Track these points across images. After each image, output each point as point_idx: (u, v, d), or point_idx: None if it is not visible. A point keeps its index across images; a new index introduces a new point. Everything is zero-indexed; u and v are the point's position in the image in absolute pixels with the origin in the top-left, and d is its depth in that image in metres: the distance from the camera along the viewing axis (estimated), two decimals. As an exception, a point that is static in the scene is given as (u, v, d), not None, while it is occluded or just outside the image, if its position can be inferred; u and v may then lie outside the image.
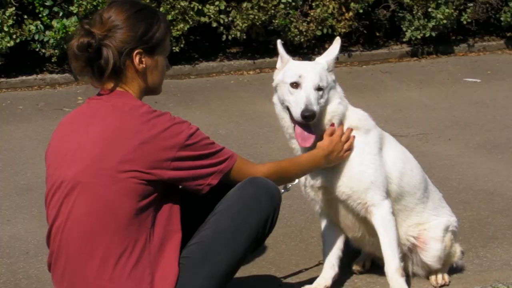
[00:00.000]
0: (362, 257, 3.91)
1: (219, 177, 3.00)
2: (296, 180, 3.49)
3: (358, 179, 3.40)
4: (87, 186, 2.85)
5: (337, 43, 3.49)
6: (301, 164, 3.33)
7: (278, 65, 3.49)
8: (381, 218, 3.41)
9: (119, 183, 2.83)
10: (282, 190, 3.50)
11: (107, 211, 2.83)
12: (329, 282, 3.60)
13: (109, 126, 2.87)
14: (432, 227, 3.61)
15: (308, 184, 3.49)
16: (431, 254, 3.62)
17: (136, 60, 2.97)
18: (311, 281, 3.66)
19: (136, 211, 2.85)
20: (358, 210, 3.44)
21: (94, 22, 2.96)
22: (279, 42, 3.46)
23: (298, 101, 3.28)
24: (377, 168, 3.41)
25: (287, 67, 3.41)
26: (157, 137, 2.85)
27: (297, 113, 3.27)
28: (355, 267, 3.88)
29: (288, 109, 3.36)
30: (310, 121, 3.26)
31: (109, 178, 2.83)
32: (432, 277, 3.73)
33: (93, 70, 2.96)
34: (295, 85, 3.32)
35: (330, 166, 3.40)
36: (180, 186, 3.01)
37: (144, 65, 2.99)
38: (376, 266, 3.88)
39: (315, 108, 3.25)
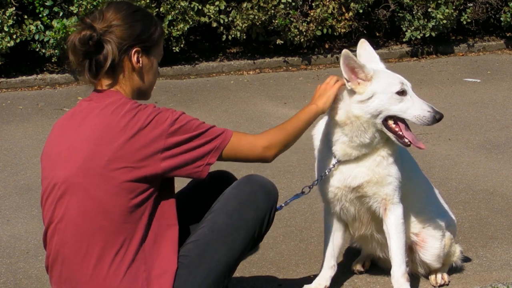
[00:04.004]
0: (361, 257, 3.92)
1: (217, 155, 2.95)
2: (307, 190, 3.51)
3: (387, 181, 3.45)
4: (79, 187, 2.85)
5: (365, 44, 3.55)
6: (299, 118, 3.24)
7: (347, 75, 3.34)
8: (395, 219, 3.45)
9: (110, 181, 2.82)
10: (301, 193, 3.52)
11: (100, 211, 2.83)
12: (328, 282, 3.61)
13: (97, 126, 2.87)
14: (431, 225, 3.63)
15: (340, 186, 3.48)
16: (430, 252, 3.64)
17: (134, 58, 2.97)
18: (310, 281, 3.66)
19: (129, 209, 2.84)
20: (378, 207, 3.48)
21: (95, 18, 2.98)
22: (347, 53, 3.31)
23: (417, 106, 3.34)
24: (400, 172, 3.49)
25: (382, 77, 3.38)
26: (143, 129, 2.84)
27: (424, 117, 3.32)
28: (355, 267, 3.88)
29: (386, 119, 3.36)
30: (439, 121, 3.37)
31: (99, 177, 2.83)
32: (432, 277, 3.73)
33: (90, 65, 2.96)
34: (402, 92, 3.35)
35: (364, 167, 3.43)
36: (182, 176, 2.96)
37: (141, 64, 2.99)
38: (375, 266, 3.88)
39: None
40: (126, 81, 2.99)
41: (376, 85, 3.35)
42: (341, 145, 3.43)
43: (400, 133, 3.37)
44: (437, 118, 3.33)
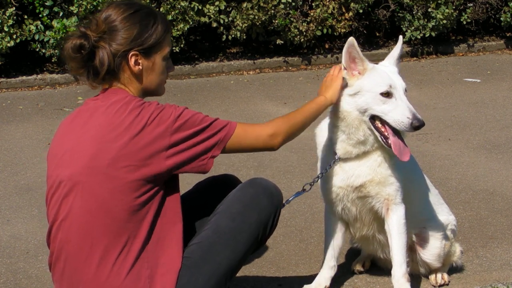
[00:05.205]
0: (361, 257, 3.92)
1: (221, 147, 2.94)
2: (308, 188, 3.50)
3: (390, 181, 3.46)
4: (84, 185, 2.85)
5: (399, 42, 3.54)
6: (307, 108, 3.24)
7: (345, 63, 3.36)
8: (397, 220, 3.46)
9: (114, 180, 2.82)
10: (302, 191, 3.52)
11: (104, 210, 2.83)
12: (328, 282, 3.61)
13: (102, 125, 2.88)
14: (431, 225, 3.63)
15: (342, 185, 3.48)
16: (430, 252, 3.64)
17: (132, 62, 2.96)
18: (310, 280, 3.66)
19: (133, 208, 2.84)
20: (380, 207, 3.48)
21: (90, 25, 2.96)
22: (352, 41, 3.34)
23: (398, 111, 3.30)
24: (401, 172, 3.49)
25: (372, 75, 3.37)
26: (147, 127, 2.84)
27: (402, 122, 3.29)
28: (355, 267, 3.88)
29: (372, 118, 3.35)
30: (418, 129, 3.32)
31: (104, 176, 2.83)
32: (432, 277, 3.73)
33: (88, 71, 2.96)
34: (387, 94, 3.33)
35: (365, 167, 3.43)
36: (185, 172, 2.94)
37: (140, 67, 2.97)
38: (375, 266, 3.88)
39: (421, 117, 3.29)
40: (129, 82, 2.99)
41: (365, 81, 3.36)
42: (341, 143, 3.44)
43: (386, 134, 3.37)
44: (413, 125, 3.28)
